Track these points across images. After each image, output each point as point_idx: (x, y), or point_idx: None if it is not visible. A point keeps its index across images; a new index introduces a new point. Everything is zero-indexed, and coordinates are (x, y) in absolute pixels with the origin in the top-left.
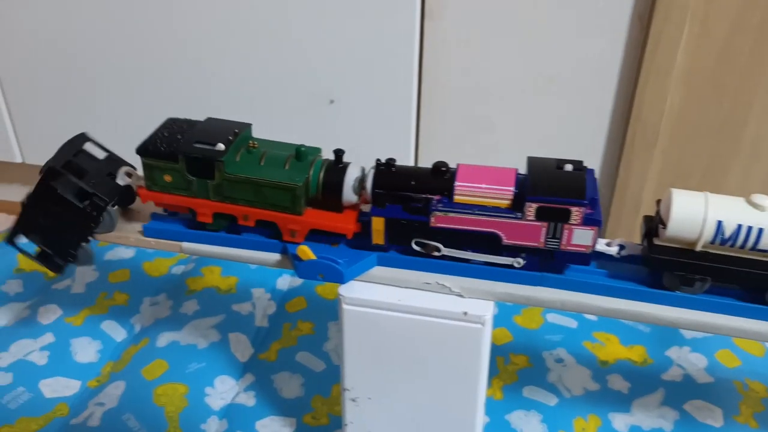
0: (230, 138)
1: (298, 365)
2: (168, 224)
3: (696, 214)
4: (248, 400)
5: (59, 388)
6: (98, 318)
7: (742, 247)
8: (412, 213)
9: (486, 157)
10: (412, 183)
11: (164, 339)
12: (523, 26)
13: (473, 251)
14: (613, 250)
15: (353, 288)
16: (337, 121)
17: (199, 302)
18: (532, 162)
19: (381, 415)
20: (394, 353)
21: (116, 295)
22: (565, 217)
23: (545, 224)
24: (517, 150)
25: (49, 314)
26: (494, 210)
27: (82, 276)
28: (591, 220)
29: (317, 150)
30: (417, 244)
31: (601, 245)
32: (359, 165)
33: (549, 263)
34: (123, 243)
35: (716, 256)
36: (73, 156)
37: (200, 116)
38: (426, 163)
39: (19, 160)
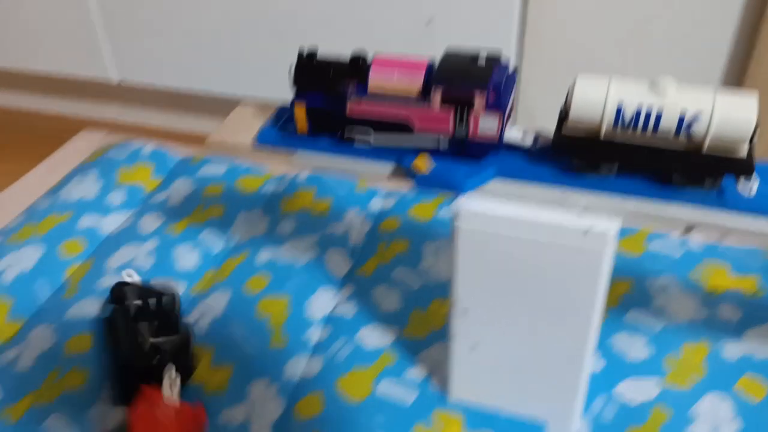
0: None
1: (395, 281)
2: (280, 133)
3: (596, 98)
4: (348, 312)
5: None
6: (196, 229)
7: (644, 131)
8: (330, 102)
9: None
10: (331, 73)
11: (263, 255)
12: None
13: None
14: (528, 139)
15: (469, 201)
16: (434, 43)
17: (294, 221)
18: (447, 53)
19: (490, 330)
20: (508, 270)
21: (212, 209)
22: (468, 103)
23: (451, 111)
24: None
25: (151, 223)
26: (405, 98)
27: (178, 190)
28: (494, 107)
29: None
30: (343, 134)
31: (516, 136)
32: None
33: (464, 151)
34: (235, 153)
35: (620, 140)
36: None
37: (290, 41)
38: (525, 96)
39: (115, 80)
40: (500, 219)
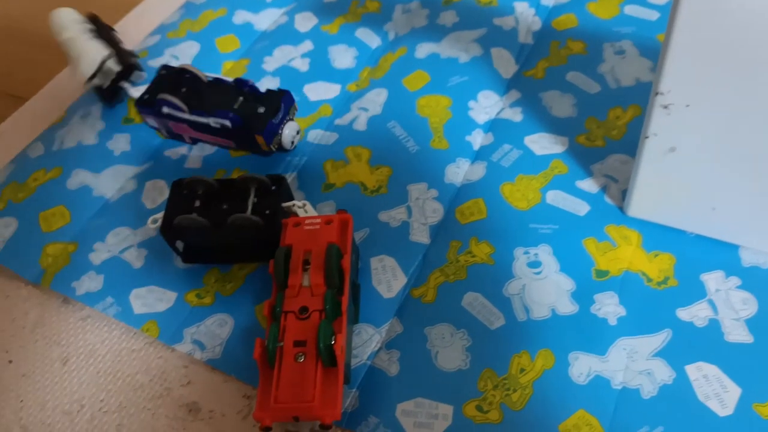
0: None
1: (569, 85)
2: None
3: None
4: (514, 115)
5: (321, 91)
6: (352, 26)
7: None
8: None
9: None
10: None
11: (423, 50)
12: None
13: None
14: None
15: None
16: None
17: (458, 13)
18: None
19: (695, 129)
20: (739, 53)
21: (368, 3)
22: None
23: None
24: None
25: (306, 22)
26: None
27: None
28: None
29: None
30: None
31: None
32: None
33: None
34: None
35: None
36: None
37: None
38: None
39: None
40: None
